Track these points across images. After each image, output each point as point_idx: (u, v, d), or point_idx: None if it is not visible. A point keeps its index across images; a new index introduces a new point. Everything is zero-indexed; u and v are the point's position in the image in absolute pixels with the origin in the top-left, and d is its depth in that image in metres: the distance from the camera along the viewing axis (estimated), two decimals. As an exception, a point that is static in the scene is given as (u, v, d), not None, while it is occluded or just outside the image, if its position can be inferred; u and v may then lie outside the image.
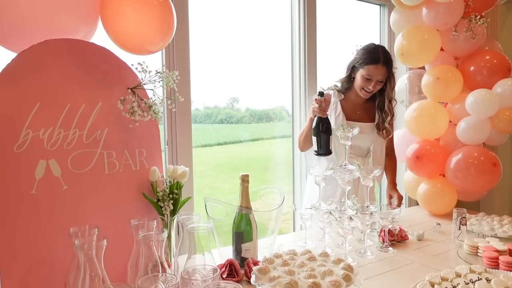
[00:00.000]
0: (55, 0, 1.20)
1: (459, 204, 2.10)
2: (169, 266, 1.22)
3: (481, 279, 1.19)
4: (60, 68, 1.24)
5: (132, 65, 1.34)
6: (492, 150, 2.23)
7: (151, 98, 1.39)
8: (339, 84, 2.08)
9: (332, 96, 2.07)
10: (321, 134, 1.75)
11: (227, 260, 1.32)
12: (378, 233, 1.68)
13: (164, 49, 1.83)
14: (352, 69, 2.00)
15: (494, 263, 1.39)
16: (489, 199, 2.86)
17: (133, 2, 1.27)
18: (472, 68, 2.21)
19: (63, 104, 1.23)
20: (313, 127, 1.78)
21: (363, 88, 1.96)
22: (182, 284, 0.99)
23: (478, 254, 1.50)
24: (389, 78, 1.97)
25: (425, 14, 2.16)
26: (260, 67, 2.49)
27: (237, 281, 1.27)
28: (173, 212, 1.38)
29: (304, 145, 2.03)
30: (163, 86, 1.42)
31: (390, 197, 2.08)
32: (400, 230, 1.72)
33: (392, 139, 2.22)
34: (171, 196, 1.37)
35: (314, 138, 1.78)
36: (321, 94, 1.83)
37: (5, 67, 1.15)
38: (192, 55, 1.92)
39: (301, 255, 1.29)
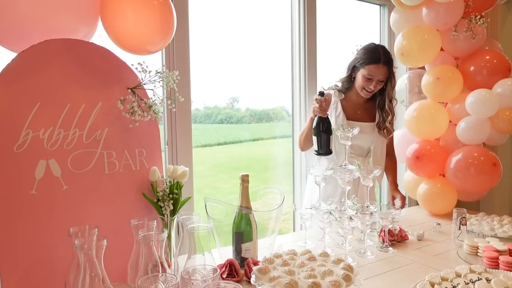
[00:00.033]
0: (55, 0, 1.20)
1: (459, 204, 2.10)
2: (169, 266, 1.22)
3: (481, 279, 1.19)
4: (60, 68, 1.24)
5: (132, 65, 1.34)
6: (492, 150, 2.23)
7: (151, 98, 1.39)
8: (339, 84, 2.09)
9: (332, 95, 2.07)
10: (322, 134, 1.76)
11: (227, 260, 1.32)
12: (378, 233, 1.68)
13: (164, 49, 1.83)
14: (353, 69, 2.00)
15: (494, 263, 1.39)
16: (489, 199, 2.86)
17: (133, 2, 1.27)
18: (472, 68, 2.21)
19: (63, 104, 1.23)
20: (313, 126, 1.79)
21: (364, 88, 1.96)
22: (182, 284, 0.99)
23: (478, 254, 1.50)
24: (389, 78, 1.97)
25: (425, 14, 2.16)
26: (260, 67, 2.49)
27: (237, 281, 1.27)
28: (173, 212, 1.38)
29: (305, 145, 2.03)
30: (163, 86, 1.42)
31: (393, 198, 2.08)
32: (400, 230, 1.72)
33: (392, 139, 2.22)
34: (171, 196, 1.37)
35: (314, 138, 1.78)
36: (321, 94, 1.83)
37: (5, 67, 1.15)
38: (192, 55, 1.92)
39: (301, 255, 1.29)
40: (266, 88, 2.56)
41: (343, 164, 1.70)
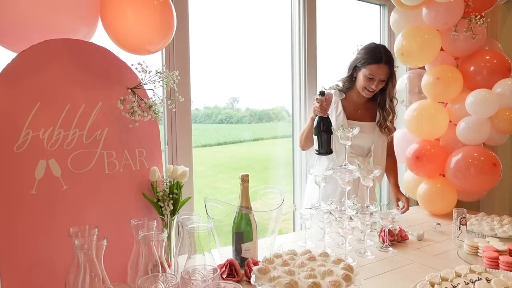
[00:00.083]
0: (55, 0, 1.20)
1: (459, 204, 2.10)
2: (169, 266, 1.22)
3: (481, 279, 1.19)
4: (60, 68, 1.24)
5: (132, 65, 1.34)
6: (492, 150, 2.23)
7: (151, 98, 1.39)
8: (340, 84, 2.09)
9: (333, 95, 2.07)
10: (322, 134, 1.76)
11: (227, 260, 1.32)
12: (378, 233, 1.68)
13: (164, 49, 1.83)
14: (354, 69, 2.00)
15: (494, 263, 1.39)
16: (489, 199, 2.86)
17: (133, 2, 1.27)
18: (472, 68, 2.21)
19: (63, 104, 1.23)
20: (314, 126, 1.79)
21: (365, 88, 1.96)
22: (182, 284, 0.99)
23: (478, 254, 1.50)
24: (390, 77, 1.97)
25: (425, 14, 2.16)
26: (260, 67, 2.49)
27: (237, 281, 1.27)
28: (173, 212, 1.38)
29: (305, 144, 2.03)
30: (163, 86, 1.42)
31: (398, 199, 2.07)
32: (400, 230, 1.72)
33: (393, 139, 2.22)
34: (171, 196, 1.37)
35: (315, 138, 1.78)
36: (322, 93, 1.83)
37: (5, 67, 1.15)
38: (192, 55, 1.92)
39: (301, 255, 1.29)
40: (266, 88, 2.56)
41: (343, 164, 1.70)
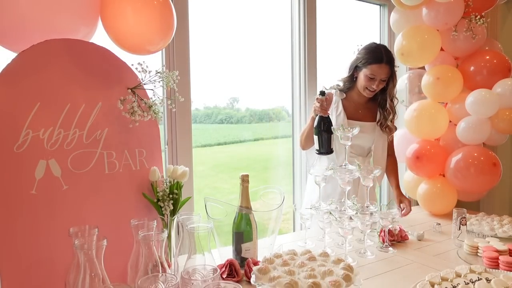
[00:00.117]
0: (55, 0, 1.20)
1: (459, 204, 2.10)
2: (169, 266, 1.22)
3: (481, 279, 1.19)
4: (60, 68, 1.24)
5: (132, 65, 1.34)
6: (492, 150, 2.23)
7: (151, 98, 1.39)
8: (341, 84, 2.09)
9: (334, 95, 2.07)
10: (322, 133, 1.76)
11: (227, 260, 1.32)
12: (378, 233, 1.68)
13: (164, 49, 1.83)
14: (355, 69, 2.00)
15: (494, 263, 1.39)
16: (489, 199, 2.86)
17: (133, 2, 1.27)
18: (472, 68, 2.21)
19: (63, 104, 1.23)
20: (314, 126, 1.79)
21: (366, 88, 1.96)
22: (182, 284, 0.99)
23: (478, 254, 1.50)
24: (391, 77, 1.97)
25: (425, 14, 2.16)
26: (260, 67, 2.49)
27: (237, 281, 1.27)
28: (173, 212, 1.38)
29: (306, 144, 2.03)
30: (163, 86, 1.42)
31: (400, 202, 2.05)
32: (400, 230, 1.72)
33: (393, 139, 2.21)
34: (171, 196, 1.37)
35: (315, 137, 1.78)
36: (322, 93, 1.83)
37: (5, 67, 1.15)
38: (192, 55, 1.92)
39: (301, 255, 1.29)
40: (266, 88, 2.56)
41: (343, 164, 1.70)
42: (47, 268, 1.17)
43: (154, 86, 1.38)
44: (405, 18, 2.28)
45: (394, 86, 2.01)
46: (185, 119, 1.91)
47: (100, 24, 1.35)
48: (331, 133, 1.75)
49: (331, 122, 1.78)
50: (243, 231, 1.40)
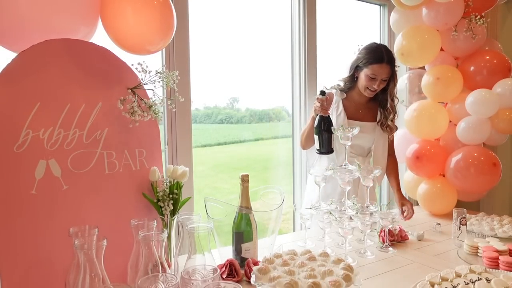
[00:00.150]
0: (55, 0, 1.20)
1: (459, 204, 2.10)
2: (169, 266, 1.22)
3: (481, 279, 1.19)
4: (60, 68, 1.24)
5: (132, 65, 1.34)
6: (492, 150, 2.23)
7: (151, 98, 1.39)
8: (341, 84, 2.09)
9: (334, 95, 2.07)
10: (323, 133, 1.76)
11: (227, 260, 1.32)
12: (378, 233, 1.68)
13: (164, 49, 1.82)
14: (356, 69, 2.00)
15: (494, 263, 1.39)
16: (489, 199, 2.86)
17: (133, 2, 1.27)
18: (472, 68, 2.21)
19: (63, 104, 1.23)
20: (315, 126, 1.79)
21: (367, 88, 1.96)
22: (182, 284, 0.99)
23: (478, 254, 1.50)
24: (392, 77, 1.98)
25: (425, 14, 2.16)
26: (260, 67, 2.49)
27: (237, 281, 1.27)
28: (173, 212, 1.38)
29: (306, 143, 2.04)
30: (163, 86, 1.42)
31: (402, 205, 2.04)
32: (400, 230, 1.72)
33: (393, 139, 2.21)
34: (171, 196, 1.37)
35: (316, 137, 1.78)
36: (322, 93, 1.83)
37: (5, 67, 1.15)
38: (192, 55, 1.92)
39: (301, 255, 1.29)
40: (266, 88, 2.56)
41: (343, 164, 1.70)
42: (47, 268, 1.17)
43: (154, 86, 1.38)
44: (405, 18, 2.28)
45: (395, 85, 2.01)
46: (185, 119, 1.91)
47: (100, 24, 1.35)
48: (332, 133, 1.75)
49: (331, 122, 1.78)
50: (243, 231, 1.40)
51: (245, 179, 1.42)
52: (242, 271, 1.32)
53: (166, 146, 1.89)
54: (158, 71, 1.35)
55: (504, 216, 1.95)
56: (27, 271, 1.15)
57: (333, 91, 2.08)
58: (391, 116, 2.03)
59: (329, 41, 2.52)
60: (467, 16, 2.11)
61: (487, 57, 2.19)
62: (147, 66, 1.32)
